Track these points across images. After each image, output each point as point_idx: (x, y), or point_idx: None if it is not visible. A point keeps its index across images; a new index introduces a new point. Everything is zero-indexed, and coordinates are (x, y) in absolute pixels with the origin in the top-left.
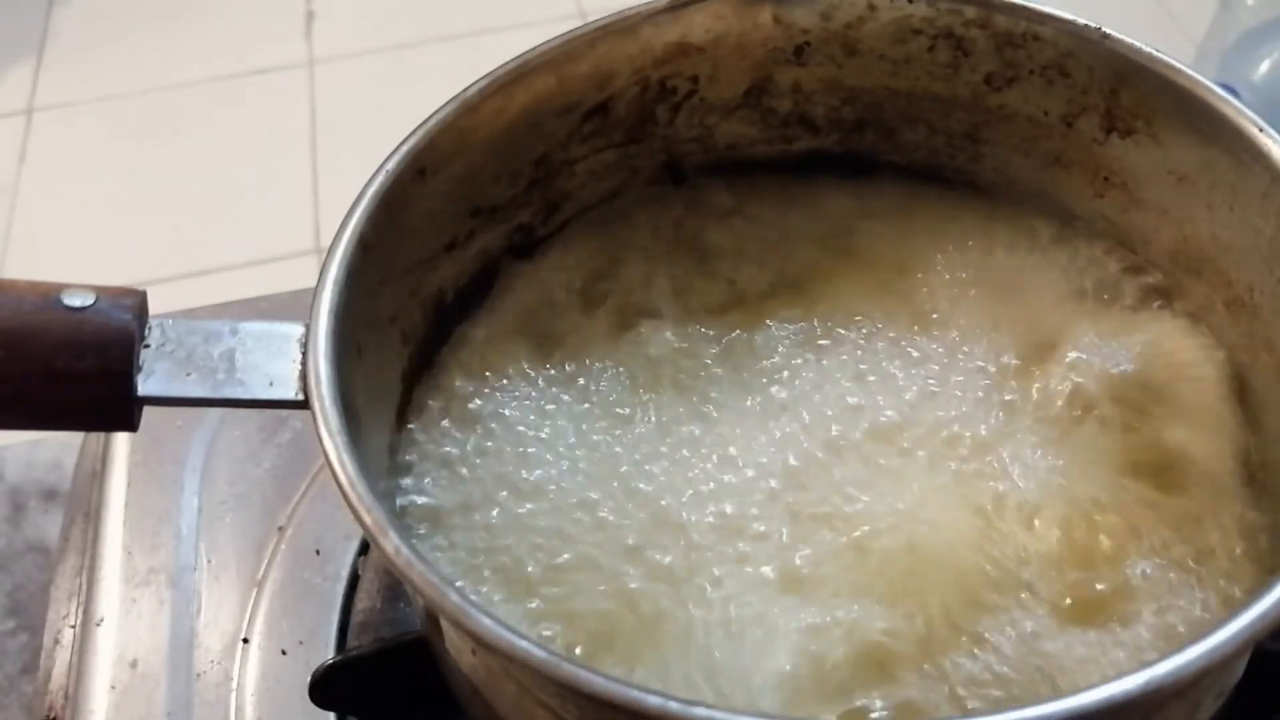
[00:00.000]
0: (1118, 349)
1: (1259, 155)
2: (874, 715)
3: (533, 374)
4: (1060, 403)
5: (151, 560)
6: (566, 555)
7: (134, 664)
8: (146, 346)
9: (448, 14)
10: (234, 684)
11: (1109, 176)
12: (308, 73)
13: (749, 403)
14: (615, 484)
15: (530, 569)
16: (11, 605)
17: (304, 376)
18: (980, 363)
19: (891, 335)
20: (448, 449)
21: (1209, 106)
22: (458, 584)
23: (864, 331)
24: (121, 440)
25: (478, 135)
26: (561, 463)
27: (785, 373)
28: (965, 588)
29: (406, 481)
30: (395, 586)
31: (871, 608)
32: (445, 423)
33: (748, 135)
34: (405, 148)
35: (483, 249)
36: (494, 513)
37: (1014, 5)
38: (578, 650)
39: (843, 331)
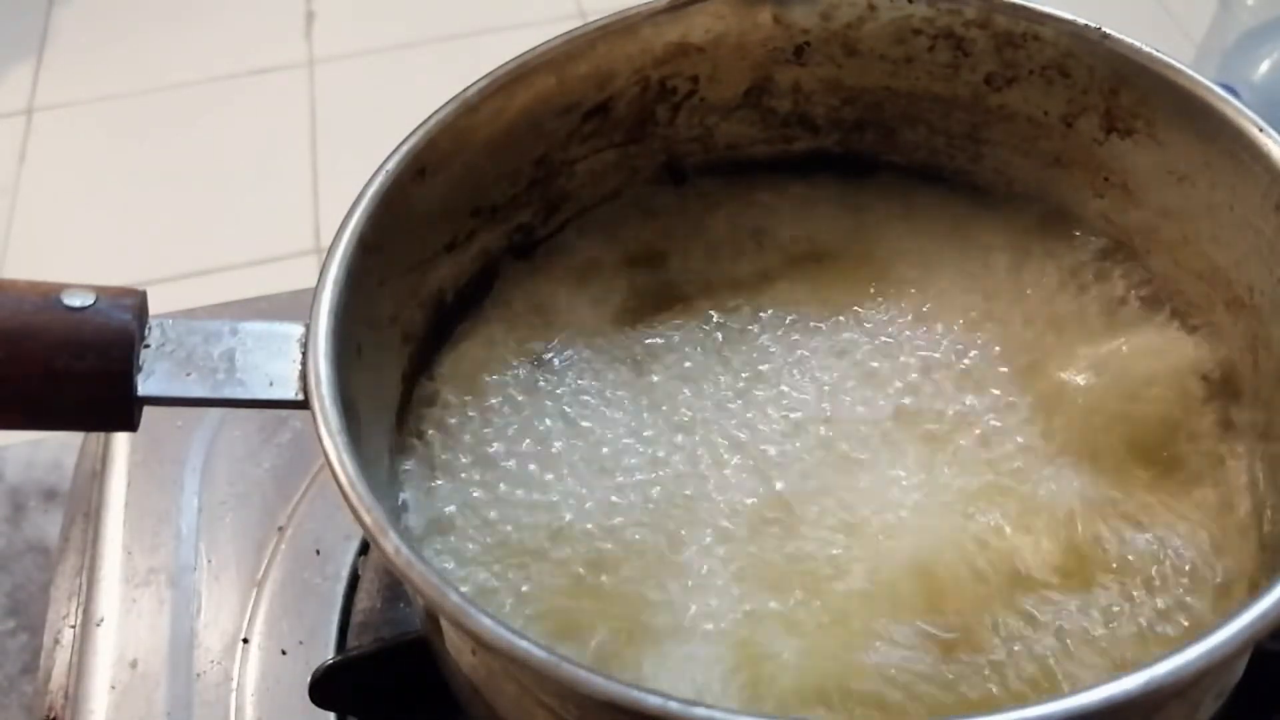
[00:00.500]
0: (1118, 349)
1: (1259, 155)
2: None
3: (532, 373)
4: (1059, 403)
5: (151, 560)
6: (566, 552)
7: (134, 664)
8: (146, 346)
9: (448, 14)
10: (234, 684)
11: (1109, 177)
12: (307, 73)
13: (747, 402)
14: (616, 482)
15: (529, 565)
16: (11, 605)
17: (304, 376)
18: (979, 363)
19: (890, 335)
20: (448, 448)
21: (1209, 106)
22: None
23: (862, 332)
24: (121, 440)
25: (478, 135)
26: (561, 461)
27: (783, 374)
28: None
29: (407, 480)
30: (395, 586)
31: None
32: (445, 422)
33: (748, 135)
34: (405, 147)
35: (483, 249)
36: (494, 512)
37: (1014, 5)
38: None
39: (841, 331)
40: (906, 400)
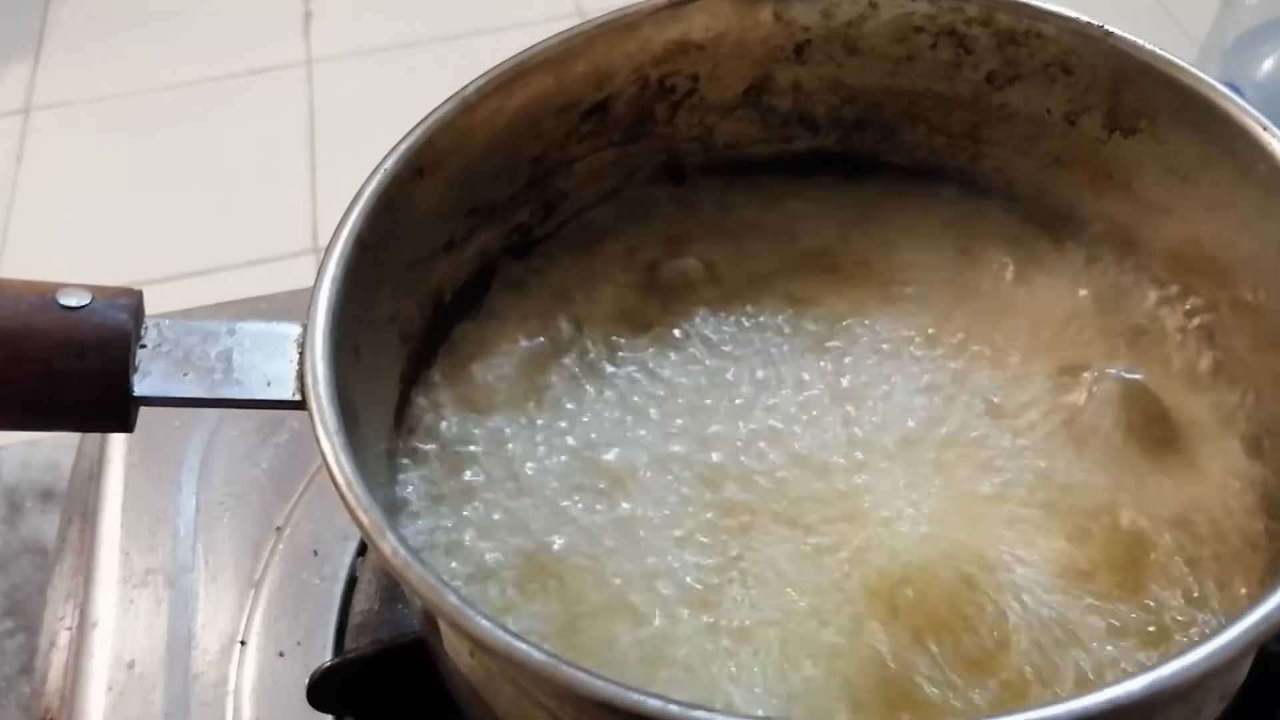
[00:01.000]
0: (1120, 349)
1: (1262, 154)
2: None
3: (531, 373)
4: (1059, 403)
5: (149, 561)
6: (565, 548)
7: (131, 665)
8: (143, 346)
9: (447, 14)
10: (231, 686)
11: (1111, 176)
12: (306, 72)
13: (745, 404)
14: (615, 484)
15: (526, 565)
16: (8, 606)
17: (301, 377)
18: (978, 362)
19: (889, 335)
20: (447, 449)
21: (1212, 105)
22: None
23: (861, 332)
24: (118, 441)
25: (476, 134)
26: (560, 460)
27: (783, 375)
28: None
29: (405, 481)
30: (393, 588)
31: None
32: (444, 423)
33: (747, 134)
34: (403, 147)
35: (481, 248)
36: (494, 513)
37: (1016, 3)
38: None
39: (841, 332)
40: (905, 400)
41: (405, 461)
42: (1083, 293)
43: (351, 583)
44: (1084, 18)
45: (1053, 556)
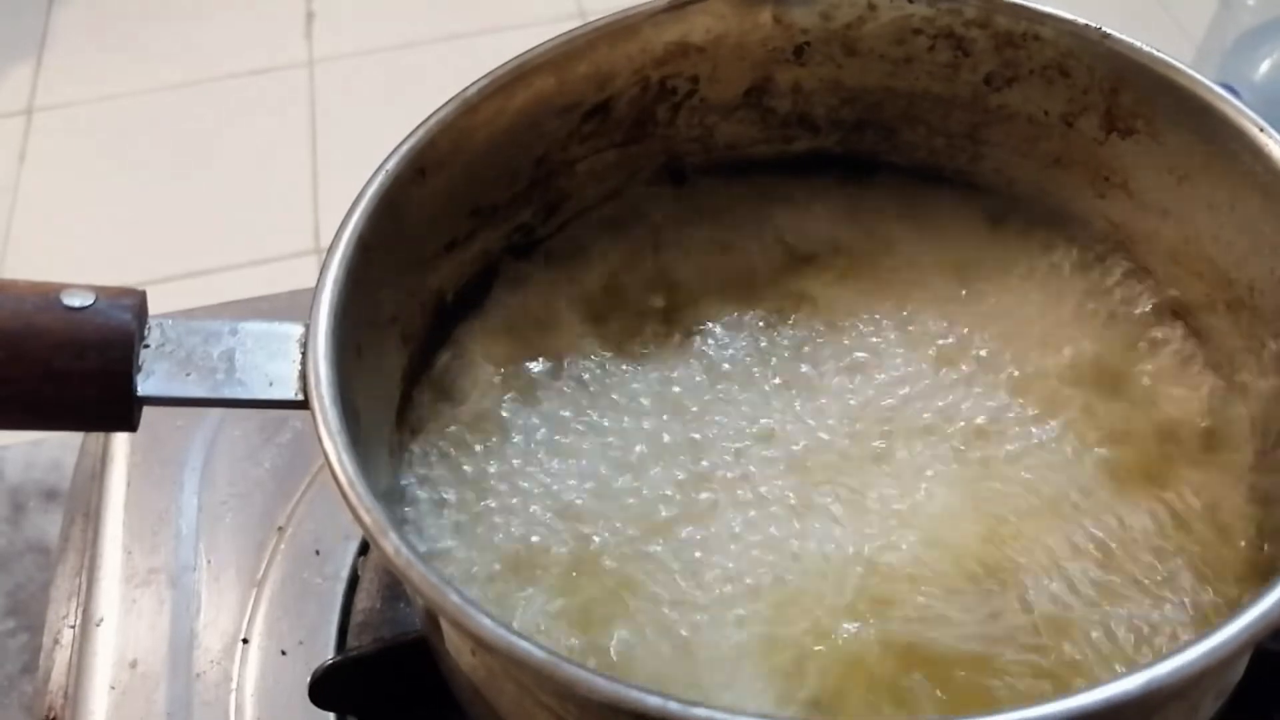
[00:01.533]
0: (1119, 348)
1: (1259, 155)
2: None
3: (532, 373)
4: (1059, 403)
5: (151, 560)
6: (566, 550)
7: (134, 664)
8: (146, 346)
9: (447, 14)
10: (234, 684)
11: (1109, 176)
12: (308, 73)
13: (745, 404)
14: (615, 480)
15: (527, 564)
16: (11, 605)
17: (304, 376)
18: (978, 362)
19: (888, 335)
20: (447, 448)
21: (1209, 106)
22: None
23: (862, 332)
24: (121, 440)
25: (478, 135)
26: (560, 459)
27: (782, 375)
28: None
29: (407, 481)
30: (395, 586)
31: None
32: (445, 422)
33: (748, 135)
34: (405, 147)
35: (483, 249)
36: (494, 512)
37: (1014, 5)
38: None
39: (841, 332)
40: (906, 401)
41: (408, 459)
42: (1082, 293)
43: (353, 581)
44: (1081, 20)
45: (1051, 555)
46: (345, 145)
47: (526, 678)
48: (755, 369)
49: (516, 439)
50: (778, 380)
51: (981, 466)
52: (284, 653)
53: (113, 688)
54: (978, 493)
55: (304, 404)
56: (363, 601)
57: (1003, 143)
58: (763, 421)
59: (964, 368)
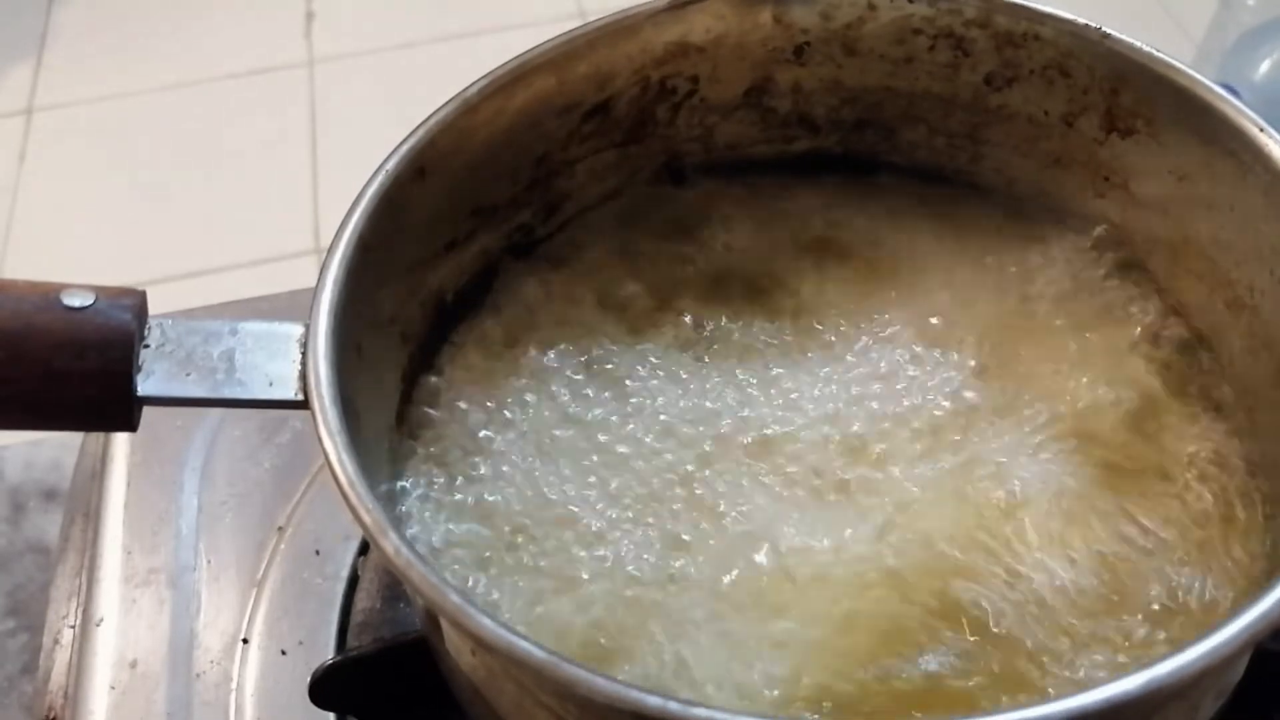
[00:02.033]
0: (1118, 349)
1: (1259, 155)
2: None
3: (532, 372)
4: (1058, 403)
5: (151, 560)
6: (564, 548)
7: (134, 664)
8: (146, 346)
9: (448, 14)
10: (234, 684)
11: (1109, 176)
12: (308, 73)
13: (745, 403)
14: (615, 480)
15: (527, 563)
16: (11, 605)
17: (304, 376)
18: (978, 362)
19: (890, 334)
20: (448, 448)
21: (1209, 106)
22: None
23: (861, 332)
24: (121, 440)
25: (478, 135)
26: (560, 458)
27: (782, 374)
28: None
29: (406, 481)
30: (395, 586)
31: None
32: (445, 422)
33: (748, 135)
34: (405, 147)
35: (483, 249)
36: (495, 511)
37: (1014, 5)
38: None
39: (840, 332)
40: (905, 400)
41: (408, 459)
42: (1081, 293)
43: (353, 581)
44: (1081, 20)
45: (1048, 555)
46: (345, 145)
47: (526, 678)
48: (755, 368)
49: (516, 439)
50: (778, 379)
51: (983, 466)
52: (284, 653)
53: (113, 688)
54: (977, 492)
55: (304, 404)
56: (363, 601)
57: (1003, 143)
58: (764, 420)
59: (963, 367)
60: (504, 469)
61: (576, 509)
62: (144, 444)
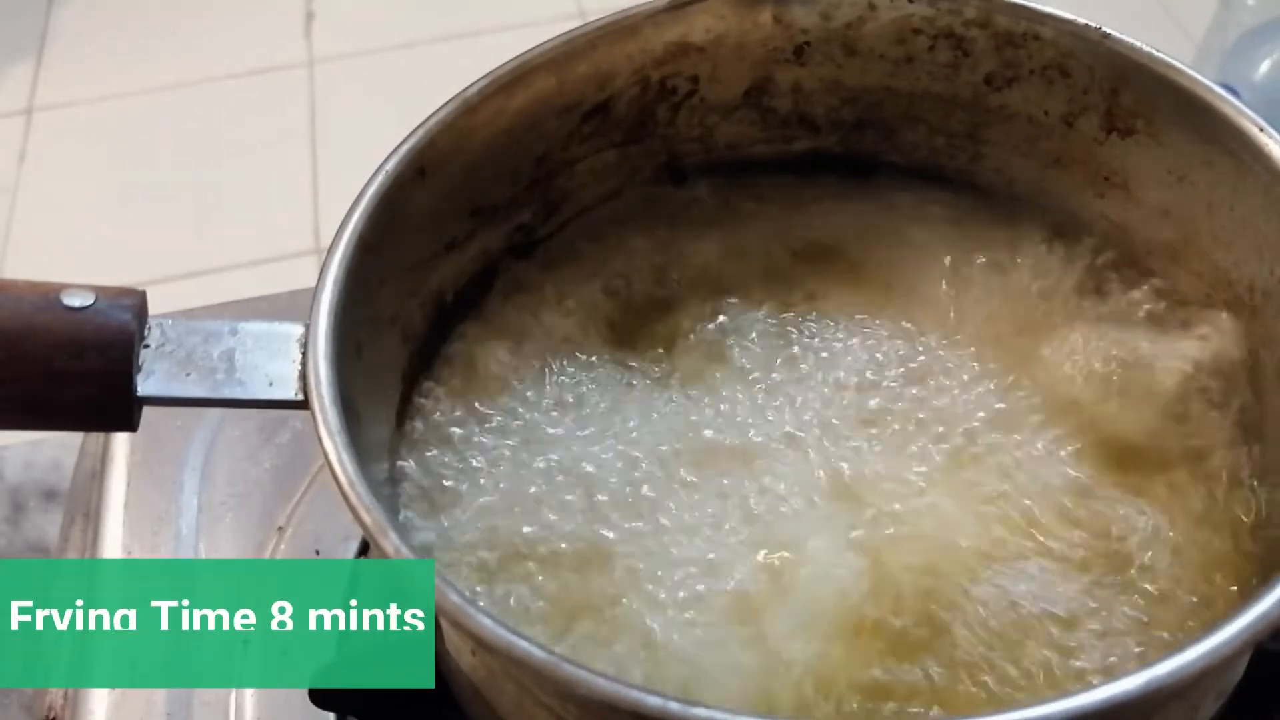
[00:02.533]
0: (1117, 349)
1: (1259, 155)
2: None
3: (533, 373)
4: (1058, 402)
5: None
6: (564, 548)
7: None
8: (146, 346)
9: (447, 14)
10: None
11: (1109, 176)
12: (308, 73)
13: (744, 402)
14: (615, 478)
15: (526, 562)
16: None
17: (304, 376)
18: (977, 363)
19: (890, 335)
20: (448, 448)
21: (1209, 106)
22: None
23: (862, 332)
24: (121, 440)
25: (478, 135)
26: (560, 458)
27: (782, 373)
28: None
29: (407, 480)
30: None
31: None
32: (445, 423)
33: (748, 135)
34: (405, 147)
35: (483, 249)
36: (495, 510)
37: (1014, 5)
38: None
39: (841, 332)
40: (905, 400)
41: (408, 459)
42: (1081, 293)
43: None
44: (1081, 20)
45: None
46: (345, 145)
47: (526, 678)
48: (755, 368)
49: (516, 438)
50: (777, 378)
51: (983, 465)
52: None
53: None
54: (971, 490)
55: (304, 404)
56: None
57: (1003, 142)
58: (763, 424)
59: (963, 366)
60: (504, 469)
61: (577, 509)
62: (144, 444)
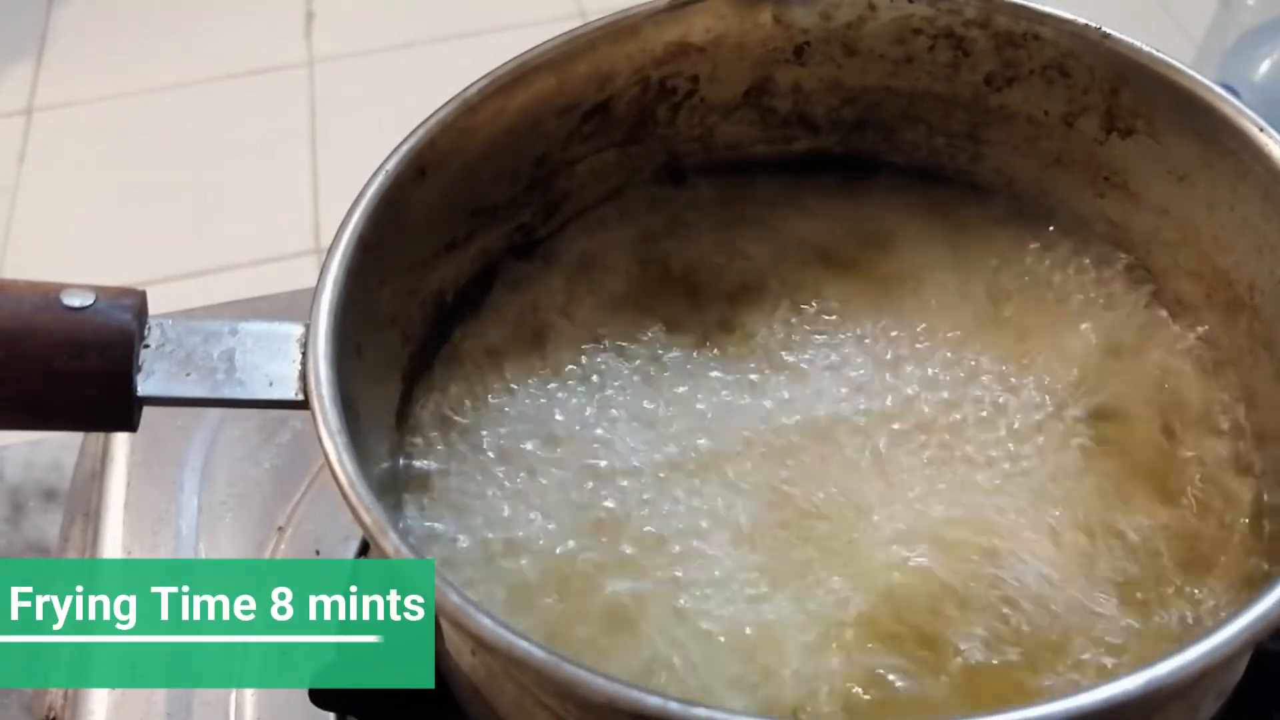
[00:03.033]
0: (1117, 349)
1: (1259, 155)
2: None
3: (532, 373)
4: (1058, 402)
5: None
6: (563, 548)
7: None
8: (146, 346)
9: (448, 14)
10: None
11: (1109, 176)
12: (308, 73)
13: (744, 402)
14: (615, 478)
15: (526, 562)
16: None
17: (304, 376)
18: (979, 363)
19: (889, 336)
20: (448, 448)
21: (1209, 106)
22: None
23: (862, 332)
24: (121, 440)
25: (478, 135)
26: (561, 457)
27: (781, 372)
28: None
29: (407, 480)
30: None
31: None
32: (445, 422)
33: (748, 135)
34: (405, 148)
35: (483, 249)
36: (494, 509)
37: (1014, 5)
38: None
39: (841, 332)
40: (904, 401)
41: (408, 459)
42: (1081, 293)
43: None
44: (1081, 20)
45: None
46: (345, 145)
47: (526, 678)
48: (755, 368)
49: (516, 438)
50: (777, 377)
51: (984, 466)
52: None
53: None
54: (977, 492)
55: (304, 404)
56: None
57: (1003, 142)
58: (761, 424)
59: (965, 367)
60: (504, 468)
61: (576, 509)
62: (144, 444)
